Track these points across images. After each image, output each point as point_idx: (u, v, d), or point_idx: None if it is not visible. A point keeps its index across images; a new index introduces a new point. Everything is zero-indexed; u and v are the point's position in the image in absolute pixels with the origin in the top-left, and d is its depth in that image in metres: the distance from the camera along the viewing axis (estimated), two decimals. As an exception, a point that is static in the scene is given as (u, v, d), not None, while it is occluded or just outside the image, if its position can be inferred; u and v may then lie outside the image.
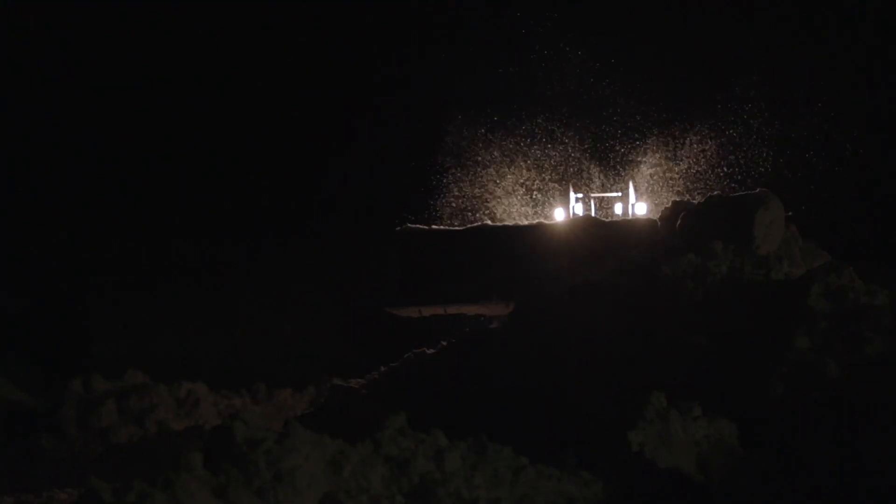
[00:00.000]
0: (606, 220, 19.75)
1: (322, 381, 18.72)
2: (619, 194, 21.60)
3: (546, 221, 20.35)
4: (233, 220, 29.03)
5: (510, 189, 24.70)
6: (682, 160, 25.33)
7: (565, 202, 21.51)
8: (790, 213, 16.30)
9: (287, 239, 27.78)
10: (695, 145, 25.43)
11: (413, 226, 20.42)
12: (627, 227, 18.77)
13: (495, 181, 24.95)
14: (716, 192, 18.05)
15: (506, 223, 21.71)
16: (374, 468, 9.38)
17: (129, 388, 16.67)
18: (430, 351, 17.54)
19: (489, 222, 21.50)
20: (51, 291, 26.34)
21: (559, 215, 21.14)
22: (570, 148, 25.54)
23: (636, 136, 25.74)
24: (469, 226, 20.85)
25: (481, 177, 25.05)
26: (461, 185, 24.91)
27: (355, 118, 29.24)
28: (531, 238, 19.19)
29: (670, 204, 17.77)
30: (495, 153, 25.33)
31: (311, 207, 29.07)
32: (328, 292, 25.07)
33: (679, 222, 16.41)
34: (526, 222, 21.20)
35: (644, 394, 11.41)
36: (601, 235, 18.24)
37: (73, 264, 27.29)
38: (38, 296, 26.04)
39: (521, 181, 24.86)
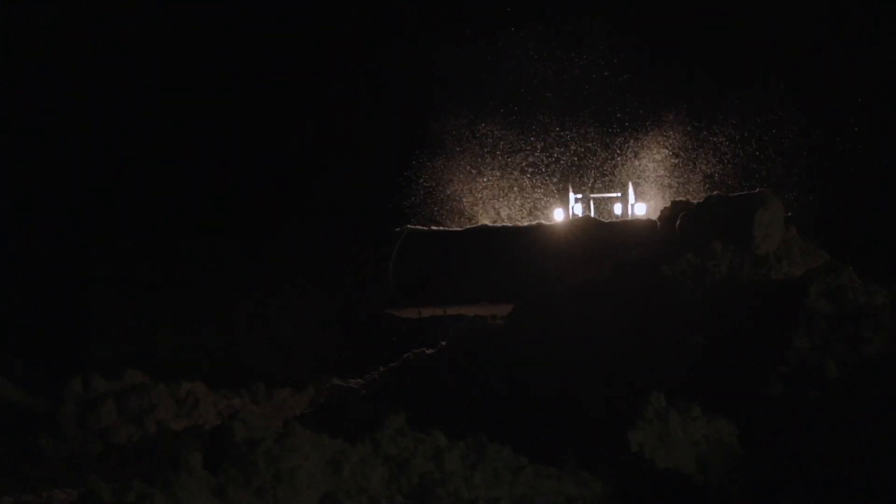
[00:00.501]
0: (606, 220, 19.75)
1: (321, 380, 18.71)
2: (619, 195, 21.63)
3: (545, 222, 20.36)
4: (233, 219, 29.04)
5: (509, 190, 24.68)
6: (681, 160, 25.32)
7: (565, 202, 21.55)
8: (790, 214, 16.32)
9: (287, 239, 27.77)
10: (695, 145, 25.43)
11: (413, 227, 20.44)
12: (627, 229, 18.79)
13: (494, 182, 24.93)
14: (715, 192, 18.06)
15: (505, 224, 21.75)
16: (374, 468, 9.39)
17: (129, 388, 16.65)
18: (430, 351, 17.55)
19: (488, 223, 21.52)
20: (50, 291, 26.34)
21: (558, 215, 21.19)
22: (569, 148, 25.53)
23: (636, 136, 25.75)
24: (468, 227, 20.87)
25: (480, 178, 25.04)
26: (460, 186, 24.91)
27: (359, 118, 29.24)
28: (531, 239, 19.20)
29: (669, 204, 17.78)
30: (494, 154, 25.32)
31: (311, 207, 29.06)
32: (328, 292, 25.05)
33: (678, 222, 16.41)
34: (525, 223, 21.22)
35: (643, 394, 11.41)
36: (601, 236, 18.26)
37: (73, 263, 27.30)
38: (37, 295, 26.03)
39: (520, 181, 24.85)
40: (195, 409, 16.90)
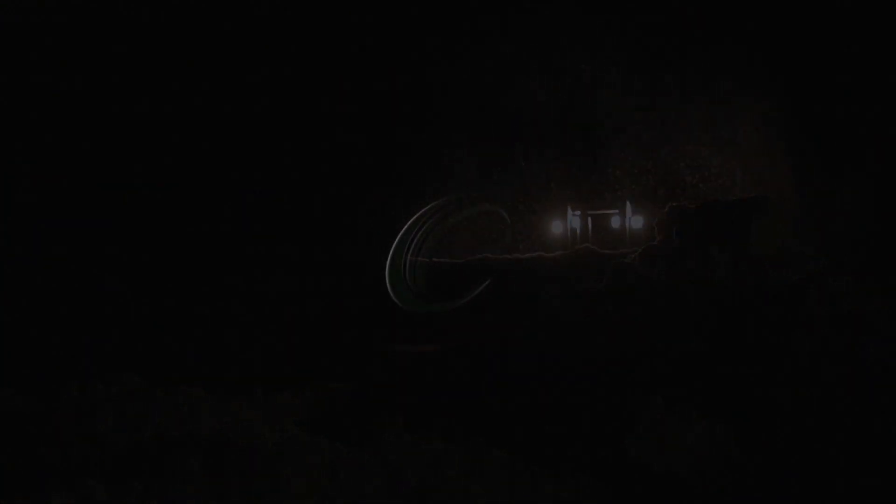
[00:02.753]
0: (605, 252, 19.75)
1: (320, 385, 18.71)
2: (616, 211, 21.65)
3: (546, 254, 20.37)
4: (233, 222, 29.01)
5: (508, 205, 24.62)
6: (678, 166, 25.35)
7: (563, 215, 21.62)
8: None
9: (287, 243, 27.75)
10: (692, 150, 25.45)
11: (414, 258, 20.46)
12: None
13: (493, 197, 24.87)
14: (713, 198, 18.11)
15: (505, 256, 21.71)
16: (372, 473, 9.39)
17: (126, 393, 16.62)
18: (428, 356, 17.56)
19: (489, 255, 21.49)
20: (48, 294, 26.31)
21: (556, 228, 21.28)
22: (566, 162, 25.51)
23: (633, 147, 25.75)
24: (469, 258, 20.88)
25: (479, 195, 24.96)
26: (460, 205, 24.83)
27: (364, 126, 29.18)
28: (531, 270, 19.29)
29: (667, 209, 17.82)
30: (491, 169, 25.28)
31: (312, 216, 29.03)
32: (326, 300, 25.02)
33: (676, 227, 16.45)
34: (525, 256, 21.21)
35: (641, 398, 11.43)
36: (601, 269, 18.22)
37: (72, 266, 27.28)
38: (34, 299, 26.02)
39: (518, 195, 24.80)
40: (193, 414, 16.87)
